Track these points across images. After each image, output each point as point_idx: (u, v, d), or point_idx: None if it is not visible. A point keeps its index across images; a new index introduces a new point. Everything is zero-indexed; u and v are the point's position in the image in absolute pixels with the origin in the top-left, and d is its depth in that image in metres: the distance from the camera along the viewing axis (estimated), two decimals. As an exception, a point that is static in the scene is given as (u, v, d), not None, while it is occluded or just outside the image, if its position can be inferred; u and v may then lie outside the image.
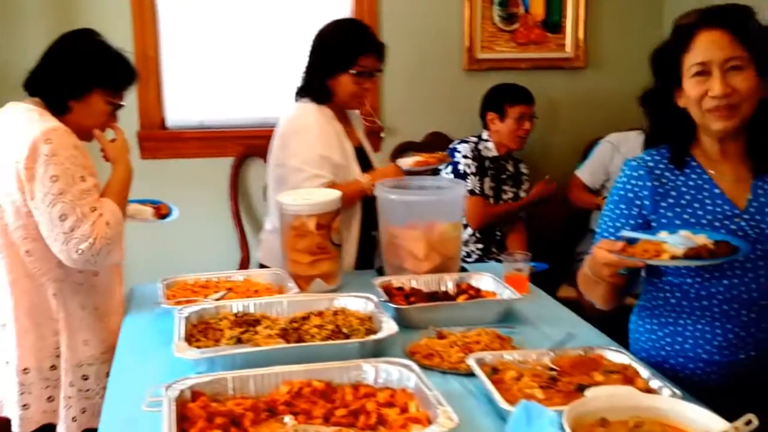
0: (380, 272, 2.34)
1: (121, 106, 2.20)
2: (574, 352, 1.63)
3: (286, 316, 1.90)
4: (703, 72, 1.67)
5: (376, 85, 2.69)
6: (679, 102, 1.75)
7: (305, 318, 1.88)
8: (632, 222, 1.80)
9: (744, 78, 1.65)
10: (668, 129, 1.81)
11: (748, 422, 1.17)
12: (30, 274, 2.07)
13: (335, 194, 2.24)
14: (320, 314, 1.90)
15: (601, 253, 1.63)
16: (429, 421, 1.36)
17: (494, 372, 1.54)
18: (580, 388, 1.44)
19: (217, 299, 2.00)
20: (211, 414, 1.39)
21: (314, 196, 2.23)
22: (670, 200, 1.78)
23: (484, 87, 3.58)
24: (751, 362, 1.72)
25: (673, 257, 1.55)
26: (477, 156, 3.45)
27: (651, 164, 1.81)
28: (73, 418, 2.11)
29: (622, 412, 1.27)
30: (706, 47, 1.66)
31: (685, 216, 1.76)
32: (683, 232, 1.62)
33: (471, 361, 1.56)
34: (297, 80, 2.63)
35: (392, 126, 3.77)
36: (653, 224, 1.78)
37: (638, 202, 1.80)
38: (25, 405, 2.10)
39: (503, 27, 3.80)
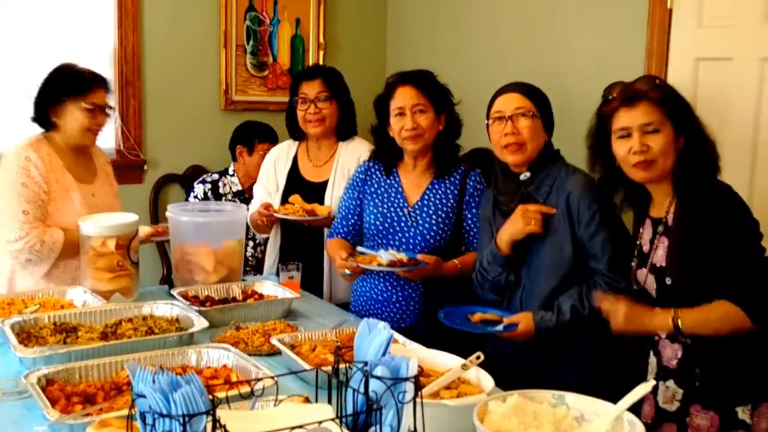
0: (171, 285, 2.67)
1: (95, 106, 2.65)
2: (349, 330, 2.13)
3: (99, 323, 2.17)
4: (400, 113, 2.56)
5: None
6: (390, 133, 2.62)
7: (118, 324, 2.17)
8: (354, 207, 2.73)
9: (425, 118, 2.56)
10: (385, 149, 2.71)
11: (478, 357, 1.73)
12: None
13: (132, 218, 2.53)
14: (131, 320, 2.19)
15: (339, 261, 2.53)
16: (250, 385, 1.76)
17: (292, 348, 1.99)
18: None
19: (33, 312, 2.21)
20: (68, 395, 1.67)
21: (113, 220, 2.50)
22: (372, 192, 2.67)
23: (239, 125, 4.01)
24: (404, 302, 2.62)
25: (380, 264, 2.40)
26: (213, 195, 3.75)
27: (370, 169, 2.74)
28: None
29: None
30: (401, 96, 2.57)
31: (376, 204, 2.64)
32: (391, 251, 2.42)
33: (274, 341, 2.00)
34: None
35: (156, 159, 4.06)
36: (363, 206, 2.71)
37: (358, 191, 2.72)
38: None
39: (255, 73, 4.29)
